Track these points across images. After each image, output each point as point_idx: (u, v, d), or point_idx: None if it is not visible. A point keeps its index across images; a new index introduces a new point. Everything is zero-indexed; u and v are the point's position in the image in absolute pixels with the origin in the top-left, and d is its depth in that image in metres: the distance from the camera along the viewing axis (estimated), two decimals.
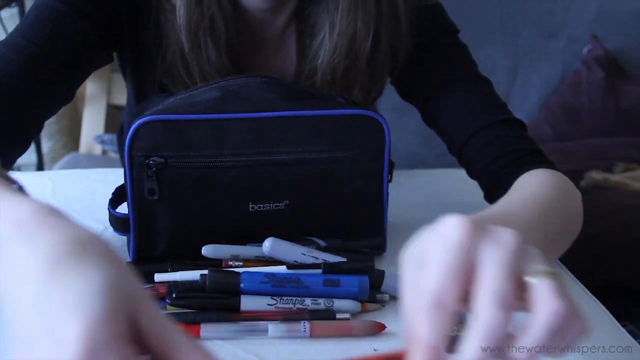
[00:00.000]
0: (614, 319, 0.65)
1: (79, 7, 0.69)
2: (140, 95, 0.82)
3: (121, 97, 1.92)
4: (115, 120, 1.90)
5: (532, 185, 0.65)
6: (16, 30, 0.67)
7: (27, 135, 0.65)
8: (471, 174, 0.78)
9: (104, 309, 0.31)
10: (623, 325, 0.64)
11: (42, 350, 0.30)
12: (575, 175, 1.59)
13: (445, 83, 0.78)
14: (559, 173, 0.70)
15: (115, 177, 0.73)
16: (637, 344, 0.61)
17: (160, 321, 0.33)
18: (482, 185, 0.77)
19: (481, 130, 0.75)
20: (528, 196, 0.61)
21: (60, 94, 0.69)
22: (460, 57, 0.81)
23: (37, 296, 0.32)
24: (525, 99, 2.02)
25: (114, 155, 1.84)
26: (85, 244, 0.34)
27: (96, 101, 1.92)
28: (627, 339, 0.61)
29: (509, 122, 0.77)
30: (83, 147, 1.90)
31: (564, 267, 0.76)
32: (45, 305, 0.31)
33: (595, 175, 1.57)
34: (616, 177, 1.58)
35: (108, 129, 1.93)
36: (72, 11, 0.68)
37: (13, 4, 1.71)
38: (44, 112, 0.67)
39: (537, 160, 0.73)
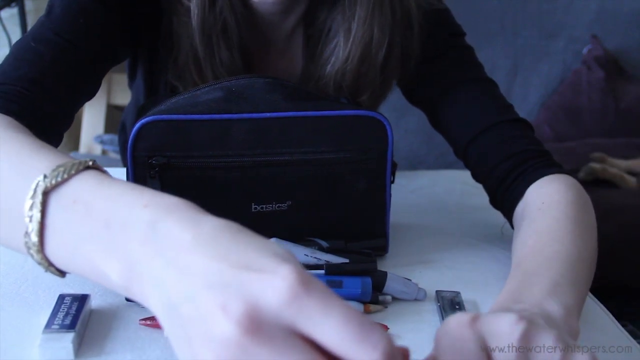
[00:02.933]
0: (614, 319, 0.65)
1: (106, 2, 0.68)
2: (151, 95, 0.82)
3: (121, 97, 1.92)
4: (115, 120, 1.90)
5: (558, 219, 0.62)
6: (42, 24, 0.66)
7: (60, 130, 0.65)
8: (477, 177, 0.77)
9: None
10: (623, 325, 0.65)
11: (251, 287, 0.31)
12: (575, 176, 1.59)
13: (451, 85, 0.78)
14: (570, 179, 0.69)
15: (118, 176, 0.73)
16: (637, 344, 0.61)
17: None
18: (488, 189, 0.75)
19: (487, 130, 0.74)
20: (563, 237, 0.59)
21: (88, 88, 0.69)
22: (467, 59, 0.81)
23: (229, 252, 0.33)
24: (525, 99, 2.02)
25: (114, 155, 1.85)
26: (242, 227, 0.36)
27: (96, 101, 1.92)
28: (627, 339, 0.61)
29: (515, 122, 0.75)
30: (83, 147, 1.91)
31: None
32: (244, 255, 0.33)
33: (594, 165, 1.58)
34: (614, 170, 1.58)
35: (108, 129, 1.93)
36: (100, 6, 0.68)
37: (13, 4, 1.71)
38: (74, 106, 0.67)
39: (546, 163, 0.71)
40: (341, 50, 0.73)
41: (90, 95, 0.70)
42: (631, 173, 1.60)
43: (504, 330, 0.39)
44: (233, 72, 0.74)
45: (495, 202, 0.75)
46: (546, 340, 0.39)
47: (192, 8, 0.71)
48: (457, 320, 0.40)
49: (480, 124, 0.74)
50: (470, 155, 0.76)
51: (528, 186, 0.69)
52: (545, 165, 0.71)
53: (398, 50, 0.76)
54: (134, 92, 0.90)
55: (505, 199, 0.72)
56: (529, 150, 0.72)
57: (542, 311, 0.45)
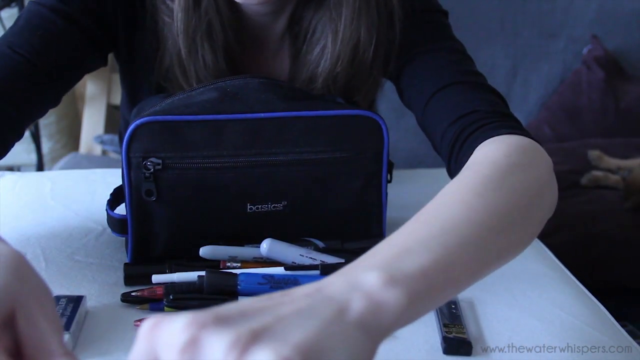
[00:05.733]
0: (613, 319, 0.64)
1: (68, 14, 0.67)
2: (133, 96, 0.81)
3: None
4: (115, 120, 1.90)
5: (476, 167, 0.51)
6: (3, 37, 0.66)
7: (6, 141, 0.64)
8: (436, 148, 0.69)
9: None
10: (623, 326, 0.64)
11: None
12: (575, 176, 1.60)
13: (414, 56, 0.73)
14: (517, 139, 0.57)
15: (115, 177, 0.73)
16: (636, 344, 0.60)
17: (38, 327, 0.33)
18: (444, 159, 0.66)
19: (436, 94, 0.67)
20: (462, 187, 0.49)
21: (45, 101, 0.68)
22: (436, 32, 0.75)
23: None
24: (525, 99, 2.02)
25: (114, 156, 1.84)
26: None
27: (96, 101, 1.92)
28: (626, 339, 0.61)
29: (477, 85, 0.67)
30: (83, 148, 1.90)
31: (563, 267, 0.76)
32: None
33: (596, 173, 1.58)
34: (616, 177, 1.58)
35: (108, 129, 1.92)
36: (61, 19, 0.67)
37: (13, 4, 1.71)
38: (25, 120, 0.66)
39: (499, 125, 0.60)
40: (329, 52, 0.72)
41: (49, 106, 0.69)
42: (622, 170, 1.60)
43: (171, 340, 0.31)
44: (217, 75, 0.73)
45: (449, 173, 0.66)
46: (217, 347, 0.30)
47: (175, 9, 0.69)
48: (144, 325, 0.32)
49: (430, 90, 0.68)
50: (426, 124, 0.68)
51: (475, 147, 0.58)
52: (497, 127, 0.59)
53: (382, 49, 0.74)
54: (122, 94, 0.89)
55: (455, 169, 0.62)
56: (480, 111, 0.62)
57: (352, 283, 0.36)
